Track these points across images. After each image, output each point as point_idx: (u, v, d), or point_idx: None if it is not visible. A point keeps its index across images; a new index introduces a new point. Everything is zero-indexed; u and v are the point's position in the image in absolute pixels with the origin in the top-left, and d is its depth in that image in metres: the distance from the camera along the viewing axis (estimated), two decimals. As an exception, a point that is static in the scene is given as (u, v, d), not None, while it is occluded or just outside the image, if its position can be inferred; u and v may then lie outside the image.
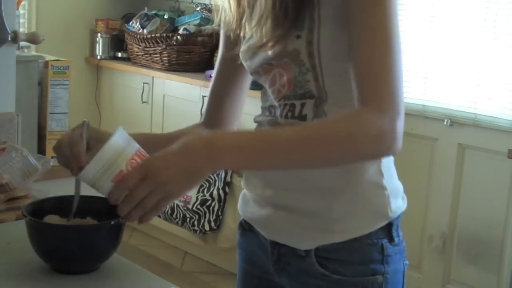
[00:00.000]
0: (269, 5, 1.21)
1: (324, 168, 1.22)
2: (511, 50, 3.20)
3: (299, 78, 1.25)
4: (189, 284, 3.66)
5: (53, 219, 1.29)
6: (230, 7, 1.31)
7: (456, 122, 3.34)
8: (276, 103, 1.30)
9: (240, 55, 1.35)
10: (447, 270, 3.41)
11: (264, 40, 1.23)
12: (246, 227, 1.42)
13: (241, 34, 1.32)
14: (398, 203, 1.29)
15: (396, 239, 1.28)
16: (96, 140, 1.26)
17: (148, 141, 1.33)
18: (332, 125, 1.12)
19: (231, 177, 3.63)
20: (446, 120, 3.35)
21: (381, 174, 1.27)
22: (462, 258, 3.37)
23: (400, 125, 1.10)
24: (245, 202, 1.40)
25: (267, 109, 1.33)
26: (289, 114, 1.27)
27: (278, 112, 1.29)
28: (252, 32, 1.26)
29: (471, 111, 3.30)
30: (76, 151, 1.22)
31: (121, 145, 1.11)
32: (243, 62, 1.35)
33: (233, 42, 1.35)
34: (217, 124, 1.45)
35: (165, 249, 4.13)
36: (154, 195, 1.06)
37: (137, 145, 1.14)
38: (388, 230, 1.27)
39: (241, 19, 1.30)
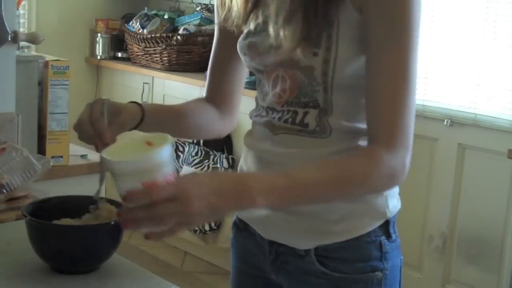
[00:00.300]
0: (299, 5, 1.20)
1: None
2: (511, 50, 3.20)
3: (307, 88, 1.25)
4: (189, 284, 3.66)
5: (63, 221, 1.29)
6: (237, 4, 1.30)
7: (456, 122, 3.34)
8: (276, 107, 1.29)
9: (238, 47, 1.34)
10: (447, 270, 3.41)
11: (289, 43, 1.21)
12: (240, 226, 1.42)
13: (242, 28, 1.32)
14: (394, 203, 1.32)
15: (393, 236, 1.30)
16: (115, 113, 1.27)
17: (158, 113, 1.37)
18: (350, 166, 1.17)
19: (231, 177, 3.63)
20: (446, 120, 3.35)
21: None
22: (462, 258, 3.37)
23: (409, 159, 1.18)
24: None
25: (265, 109, 1.33)
26: (290, 120, 1.27)
27: (277, 115, 1.29)
28: (274, 33, 1.24)
29: (471, 111, 3.30)
30: (99, 128, 1.22)
31: (167, 159, 1.10)
32: (241, 55, 1.34)
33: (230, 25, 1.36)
34: (219, 99, 1.46)
35: (165, 249, 4.13)
36: (175, 218, 1.05)
37: (174, 165, 1.13)
38: (385, 227, 1.29)
39: (248, 16, 1.29)
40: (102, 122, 1.23)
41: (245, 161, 1.38)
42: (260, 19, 1.29)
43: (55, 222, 1.27)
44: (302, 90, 1.25)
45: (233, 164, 3.64)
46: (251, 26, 1.30)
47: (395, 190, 1.32)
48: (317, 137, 1.25)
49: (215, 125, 1.48)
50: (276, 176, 1.14)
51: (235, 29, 1.34)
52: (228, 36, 1.38)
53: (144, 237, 1.09)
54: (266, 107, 1.32)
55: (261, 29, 1.28)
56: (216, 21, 1.44)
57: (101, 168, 1.24)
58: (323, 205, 1.26)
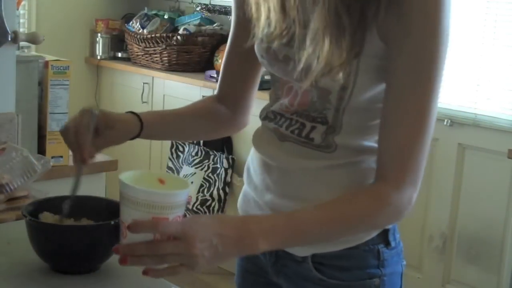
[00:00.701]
0: (328, 23, 1.13)
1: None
2: (511, 50, 3.20)
3: (318, 107, 1.22)
4: (189, 284, 3.65)
5: (47, 217, 1.29)
6: (276, 16, 1.21)
7: (456, 122, 3.34)
8: (285, 114, 1.28)
9: (256, 48, 1.30)
10: (447, 270, 3.41)
11: (320, 64, 1.14)
12: None
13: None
14: None
15: (392, 243, 1.28)
16: (106, 126, 1.26)
17: (161, 121, 1.37)
18: (355, 209, 1.15)
19: (231, 177, 3.63)
20: (446, 120, 3.35)
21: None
22: (462, 258, 3.37)
23: (415, 196, 1.16)
24: (246, 202, 1.39)
25: (273, 113, 1.31)
26: (296, 131, 1.25)
27: (284, 123, 1.27)
28: (306, 53, 1.17)
29: (471, 111, 3.30)
30: (81, 141, 1.22)
31: (182, 203, 1.09)
32: (258, 56, 1.30)
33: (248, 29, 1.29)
34: (231, 97, 1.44)
35: (165, 249, 4.13)
36: (177, 258, 1.05)
37: (185, 211, 1.12)
38: (384, 236, 1.27)
39: (288, 31, 1.21)
40: (85, 135, 1.22)
41: (252, 161, 1.37)
42: (292, 32, 1.22)
43: (41, 219, 1.27)
44: (312, 107, 1.23)
45: (233, 164, 3.65)
46: (283, 39, 1.23)
47: None
48: (322, 151, 1.23)
49: (226, 126, 1.47)
50: (278, 218, 1.14)
51: (264, 40, 1.26)
52: (246, 34, 1.32)
53: (142, 273, 1.07)
54: (275, 111, 1.30)
55: (286, 40, 1.23)
56: (233, 17, 1.39)
57: (74, 183, 1.24)
58: None
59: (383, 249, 1.27)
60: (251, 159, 1.38)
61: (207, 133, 1.54)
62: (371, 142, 1.22)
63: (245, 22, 1.30)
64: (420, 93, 1.12)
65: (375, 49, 1.14)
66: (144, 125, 1.32)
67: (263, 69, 1.41)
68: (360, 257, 1.26)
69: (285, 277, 1.32)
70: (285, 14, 1.20)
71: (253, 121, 1.39)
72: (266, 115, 1.33)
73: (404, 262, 1.33)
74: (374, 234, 1.26)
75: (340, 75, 1.14)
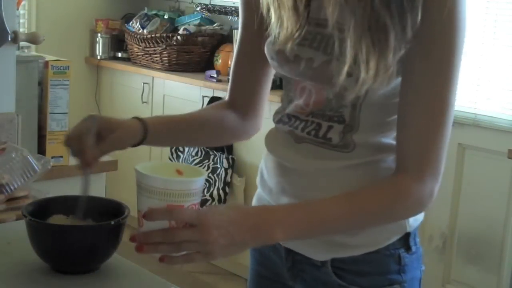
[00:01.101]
0: (365, 26, 1.10)
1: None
2: (511, 50, 3.20)
3: (334, 105, 1.20)
4: (189, 284, 3.65)
5: (58, 219, 1.29)
6: (290, 16, 1.19)
7: (456, 122, 3.34)
8: (300, 116, 1.26)
9: (266, 50, 1.28)
10: (447, 270, 3.41)
11: (368, 73, 1.10)
12: None
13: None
14: (416, 216, 1.27)
15: (413, 248, 1.27)
16: (109, 130, 1.25)
17: (167, 128, 1.35)
18: (375, 201, 1.14)
19: (231, 177, 3.63)
20: (446, 120, 3.34)
21: None
22: (462, 258, 3.37)
23: (437, 188, 1.15)
24: (261, 204, 1.36)
25: (287, 116, 1.28)
26: (313, 132, 1.23)
27: (300, 125, 1.25)
28: (349, 60, 1.13)
29: (471, 111, 3.30)
30: (83, 145, 1.22)
31: (197, 190, 1.10)
32: (268, 58, 1.28)
33: (258, 27, 1.28)
34: (243, 101, 1.41)
35: (165, 249, 4.13)
36: (192, 246, 1.04)
37: (200, 199, 1.12)
38: (405, 240, 1.26)
39: (301, 31, 1.19)
40: (87, 140, 1.22)
41: (266, 164, 1.34)
42: (306, 31, 1.20)
43: (51, 220, 1.27)
44: (328, 105, 1.21)
45: (233, 164, 3.65)
46: (299, 37, 1.21)
47: None
48: (339, 150, 1.21)
49: (236, 133, 1.43)
50: (296, 208, 1.13)
51: (278, 44, 1.24)
52: (255, 36, 1.31)
53: (158, 260, 1.08)
54: (289, 113, 1.28)
55: (298, 40, 1.21)
56: (241, 20, 1.36)
57: (84, 186, 1.25)
58: None
59: (404, 254, 1.25)
60: (265, 162, 1.35)
61: (216, 140, 1.51)
62: (390, 139, 1.20)
63: (253, 25, 1.29)
64: (439, 83, 1.12)
65: None
66: (149, 131, 1.29)
67: (273, 72, 1.39)
68: (381, 262, 1.24)
69: (303, 282, 1.30)
70: (298, 14, 1.19)
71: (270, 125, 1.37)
72: (280, 119, 1.31)
73: (423, 268, 1.32)
74: (395, 238, 1.24)
75: (385, 80, 1.12)
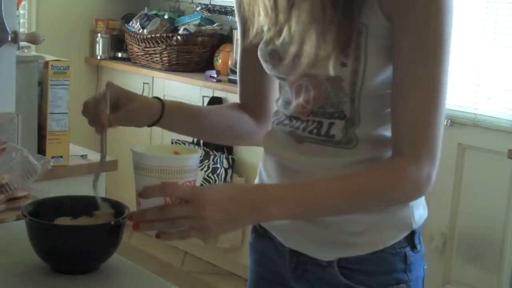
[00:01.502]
0: (326, 16, 1.14)
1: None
2: (511, 50, 3.20)
3: (333, 99, 1.21)
4: (189, 284, 3.65)
5: (58, 219, 1.29)
6: (268, 15, 1.22)
7: (456, 122, 3.34)
8: (300, 116, 1.25)
9: (259, 53, 1.29)
10: (447, 270, 3.41)
11: (317, 56, 1.16)
12: (260, 231, 1.37)
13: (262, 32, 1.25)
14: (420, 212, 1.29)
15: (418, 246, 1.28)
16: (126, 98, 1.26)
17: (185, 113, 1.35)
18: (372, 181, 1.14)
19: (231, 177, 3.63)
20: (446, 120, 3.35)
21: None
22: (462, 258, 3.37)
23: (435, 173, 1.15)
24: None
25: (288, 117, 1.28)
26: (315, 131, 1.23)
27: (301, 125, 1.25)
28: (302, 44, 1.18)
29: (471, 111, 3.30)
30: (98, 110, 1.23)
31: (191, 168, 1.11)
32: (262, 61, 1.29)
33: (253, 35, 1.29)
34: (253, 106, 1.41)
35: (165, 249, 4.13)
36: (187, 222, 1.04)
37: (196, 177, 1.13)
38: (411, 238, 1.26)
39: (281, 28, 1.21)
40: (102, 104, 1.23)
41: (265, 167, 1.34)
42: (288, 30, 1.22)
43: (55, 222, 1.27)
44: (327, 100, 1.21)
45: (233, 164, 3.65)
46: (280, 36, 1.23)
47: (421, 198, 1.29)
48: (343, 147, 1.21)
49: (250, 135, 1.43)
50: (293, 187, 1.13)
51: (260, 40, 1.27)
52: (254, 45, 1.31)
53: (155, 236, 1.08)
54: (289, 115, 1.28)
55: (285, 38, 1.22)
56: (238, 28, 1.38)
57: (102, 147, 1.27)
58: (346, 216, 1.22)
59: (410, 253, 1.26)
60: (264, 164, 1.35)
61: (234, 139, 1.51)
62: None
63: (249, 33, 1.29)
64: (429, 64, 1.13)
65: (381, 30, 1.14)
66: (166, 111, 1.29)
67: None
68: (387, 261, 1.24)
69: (307, 283, 1.29)
70: (278, 12, 1.21)
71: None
72: (280, 121, 1.30)
73: (426, 266, 1.32)
74: (401, 236, 1.24)
75: (330, 66, 1.15)
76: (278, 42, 1.23)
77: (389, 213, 1.23)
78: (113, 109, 1.24)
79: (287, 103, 1.29)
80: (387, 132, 1.20)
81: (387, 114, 1.19)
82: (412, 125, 1.13)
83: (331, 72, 1.16)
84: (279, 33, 1.22)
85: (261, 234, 1.37)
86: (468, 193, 3.33)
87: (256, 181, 1.38)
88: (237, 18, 1.37)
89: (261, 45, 1.28)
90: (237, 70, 1.43)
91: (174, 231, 1.07)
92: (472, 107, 3.31)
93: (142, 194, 1.07)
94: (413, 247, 1.27)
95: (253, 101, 1.41)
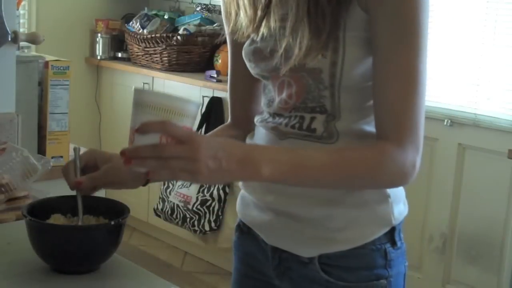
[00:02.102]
0: (304, 11, 1.17)
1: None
2: (511, 50, 3.20)
3: (314, 93, 1.23)
4: (189, 284, 3.65)
5: (58, 219, 1.29)
6: (246, 12, 1.26)
7: (456, 122, 3.34)
8: (283, 113, 1.27)
9: (244, 53, 1.31)
10: (447, 270, 3.41)
11: (301, 50, 1.18)
12: (244, 230, 1.40)
13: (251, 36, 1.28)
14: (400, 209, 1.29)
15: (398, 243, 1.28)
16: (103, 159, 1.29)
17: None
18: (360, 157, 1.15)
19: (231, 177, 3.63)
20: (446, 120, 3.35)
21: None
22: (462, 258, 3.37)
23: (419, 160, 1.17)
24: (245, 205, 1.38)
25: (271, 115, 1.30)
26: (297, 125, 1.25)
27: (284, 120, 1.27)
28: (282, 38, 1.21)
29: (471, 111, 3.30)
30: (65, 172, 1.30)
31: (191, 112, 1.09)
32: (246, 61, 1.31)
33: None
34: (245, 122, 1.41)
35: (165, 249, 4.13)
36: (180, 163, 1.03)
37: (193, 124, 1.12)
38: (390, 235, 1.27)
39: (259, 23, 1.25)
40: (70, 167, 1.30)
41: None
42: (267, 26, 1.25)
43: (51, 220, 1.28)
44: (309, 94, 1.23)
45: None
46: (258, 33, 1.26)
47: (402, 194, 1.30)
48: (324, 142, 1.23)
49: None
50: (285, 150, 1.13)
51: (245, 39, 1.30)
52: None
53: (144, 175, 1.07)
54: (273, 113, 1.30)
55: (267, 35, 1.25)
56: (227, 35, 1.39)
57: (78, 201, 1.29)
58: (326, 213, 1.24)
59: (390, 249, 1.27)
60: None
61: None
62: (372, 127, 1.21)
63: (233, 37, 1.32)
64: (405, 50, 1.14)
65: (358, 21, 1.17)
66: None
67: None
68: (368, 257, 1.25)
69: (289, 280, 1.31)
70: (255, 8, 1.24)
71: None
72: (263, 119, 1.32)
73: (407, 263, 1.32)
74: (381, 232, 1.25)
75: (319, 57, 1.17)
76: (257, 38, 1.25)
77: (369, 209, 1.25)
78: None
79: (271, 101, 1.30)
80: (368, 127, 1.23)
81: (367, 108, 1.21)
82: (393, 111, 1.15)
83: (310, 63, 1.18)
84: (257, 29, 1.25)
85: (245, 232, 1.39)
86: (468, 193, 3.33)
87: (240, 184, 1.39)
88: (224, 23, 1.39)
89: (245, 46, 1.30)
90: (228, 84, 1.44)
91: (164, 171, 1.05)
92: (472, 107, 3.31)
93: (140, 128, 1.05)
94: (393, 243, 1.27)
95: (247, 114, 1.41)
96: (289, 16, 1.19)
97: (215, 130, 1.47)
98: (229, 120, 1.46)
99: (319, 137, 1.23)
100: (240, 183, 1.39)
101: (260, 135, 1.32)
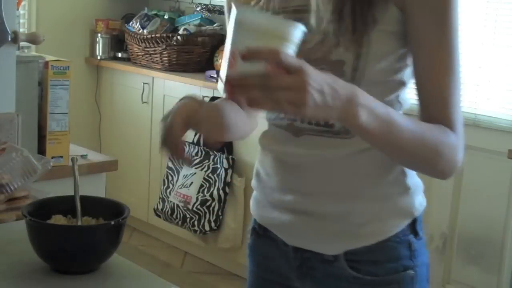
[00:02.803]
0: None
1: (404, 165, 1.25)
2: (511, 50, 3.20)
3: None
4: (189, 284, 3.65)
5: (58, 219, 1.29)
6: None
7: (456, 122, 3.34)
8: None
9: None
10: (447, 270, 3.41)
11: (334, 39, 1.16)
12: (260, 232, 1.36)
13: None
14: (420, 200, 1.31)
15: (420, 233, 1.29)
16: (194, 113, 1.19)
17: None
18: (442, 135, 1.16)
19: (231, 177, 3.63)
20: (446, 120, 3.34)
21: (404, 173, 1.26)
22: (462, 258, 3.37)
23: (462, 158, 1.19)
24: (261, 207, 1.35)
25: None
26: (314, 121, 1.22)
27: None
28: (317, 26, 1.17)
29: (471, 111, 3.30)
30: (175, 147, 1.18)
31: (299, 39, 1.02)
32: None
33: None
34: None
35: (165, 249, 4.13)
36: (288, 94, 0.97)
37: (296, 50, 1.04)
38: (413, 226, 1.28)
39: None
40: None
41: (262, 164, 1.33)
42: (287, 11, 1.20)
43: (52, 221, 1.28)
44: None
45: (233, 164, 3.64)
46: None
47: (420, 186, 1.31)
48: (341, 137, 1.21)
49: (245, 124, 1.35)
50: (382, 104, 1.10)
51: None
52: None
53: (246, 104, 0.99)
54: None
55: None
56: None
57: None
58: (348, 207, 1.23)
59: (413, 240, 1.27)
60: (261, 163, 1.34)
61: (234, 129, 1.38)
62: None
63: None
64: (446, 50, 1.15)
65: (388, 16, 1.16)
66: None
67: None
68: (394, 249, 1.25)
69: (313, 280, 1.29)
70: None
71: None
72: (277, 115, 1.29)
73: (428, 253, 1.33)
74: (404, 224, 1.26)
75: (341, 49, 1.16)
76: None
77: (391, 202, 1.25)
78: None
79: None
80: None
81: (386, 102, 1.19)
82: (448, 106, 1.16)
83: (333, 55, 1.16)
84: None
85: (261, 235, 1.37)
86: (468, 193, 3.33)
87: (253, 182, 1.37)
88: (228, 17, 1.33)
89: None
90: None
91: (269, 102, 0.98)
92: (472, 107, 3.31)
93: (246, 55, 0.97)
94: (416, 234, 1.28)
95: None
96: (326, 3, 1.17)
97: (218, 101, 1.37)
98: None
99: (336, 132, 1.21)
100: (252, 183, 1.37)
101: (275, 135, 1.30)
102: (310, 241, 1.27)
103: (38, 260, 1.24)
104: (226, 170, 3.63)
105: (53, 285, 1.20)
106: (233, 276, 3.75)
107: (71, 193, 1.31)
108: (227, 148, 3.67)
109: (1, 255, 1.30)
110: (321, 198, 1.24)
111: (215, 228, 3.64)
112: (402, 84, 1.22)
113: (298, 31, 1.01)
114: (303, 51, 1.13)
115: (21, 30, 4.14)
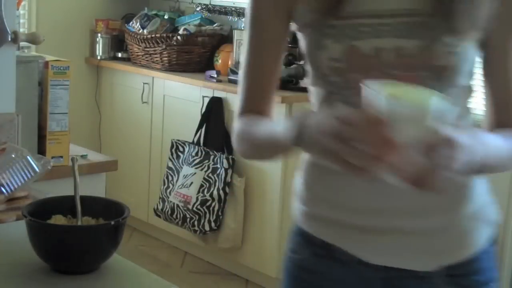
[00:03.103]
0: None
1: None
2: (511, 50, 3.20)
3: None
4: (189, 284, 3.65)
5: (58, 219, 1.29)
6: None
7: (456, 122, 3.34)
8: None
9: (327, 56, 1.15)
10: (447, 270, 3.41)
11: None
12: (322, 253, 1.25)
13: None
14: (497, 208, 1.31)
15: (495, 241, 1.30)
16: None
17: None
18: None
19: (231, 177, 3.63)
20: (446, 120, 3.34)
21: (486, 181, 1.29)
22: (462, 258, 3.38)
23: None
24: (333, 229, 1.23)
25: None
26: None
27: None
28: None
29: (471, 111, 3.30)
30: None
31: (448, 117, 1.02)
32: (329, 63, 1.14)
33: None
34: (261, 109, 1.26)
35: (165, 249, 4.13)
36: (449, 161, 0.98)
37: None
38: (495, 234, 1.30)
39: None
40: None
41: (310, 175, 1.25)
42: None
43: (51, 221, 1.28)
44: None
45: (233, 164, 3.64)
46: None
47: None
48: None
49: None
50: (481, 143, 1.11)
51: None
52: (278, 34, 1.21)
53: (413, 185, 0.98)
54: None
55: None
56: (255, 17, 1.23)
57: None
58: (440, 223, 1.20)
59: (494, 248, 1.30)
60: (308, 173, 1.25)
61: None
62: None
63: (282, 31, 1.22)
64: None
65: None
66: None
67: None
68: (489, 258, 1.27)
69: None
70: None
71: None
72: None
73: None
74: (493, 233, 1.29)
75: (441, 53, 1.14)
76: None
77: (482, 213, 1.28)
78: None
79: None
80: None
81: (464, 107, 1.26)
82: None
83: (439, 60, 1.14)
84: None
85: (323, 256, 1.25)
86: (468, 193, 3.33)
87: (305, 196, 1.27)
88: (266, 13, 1.23)
89: (322, 49, 1.15)
90: (246, 67, 1.26)
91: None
92: (472, 107, 3.30)
93: (427, 150, 0.96)
94: (495, 242, 1.30)
95: (264, 102, 1.27)
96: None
97: (244, 119, 1.28)
98: (243, 113, 1.27)
99: None
100: (306, 202, 1.27)
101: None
102: (402, 258, 1.21)
103: (38, 260, 1.24)
104: (226, 170, 3.63)
105: (53, 285, 1.20)
106: (233, 276, 3.75)
107: (71, 193, 1.31)
108: (227, 148, 3.67)
109: (1, 255, 1.30)
110: (411, 215, 1.19)
111: (215, 228, 3.64)
112: (472, 90, 1.25)
113: (436, 102, 1.00)
114: (403, 57, 1.12)
115: (21, 30, 4.14)
